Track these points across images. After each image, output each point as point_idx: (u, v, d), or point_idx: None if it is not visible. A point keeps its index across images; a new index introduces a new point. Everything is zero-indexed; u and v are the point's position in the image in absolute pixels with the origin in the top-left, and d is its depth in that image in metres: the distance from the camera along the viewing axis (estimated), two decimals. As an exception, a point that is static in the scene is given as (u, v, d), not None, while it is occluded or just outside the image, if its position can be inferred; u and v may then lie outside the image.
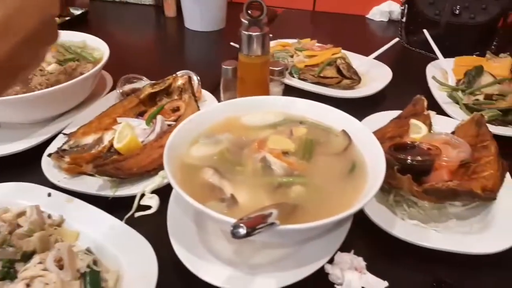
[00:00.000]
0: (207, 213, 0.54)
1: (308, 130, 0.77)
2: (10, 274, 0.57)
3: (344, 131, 0.76)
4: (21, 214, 0.68)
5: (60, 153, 0.78)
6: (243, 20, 0.89)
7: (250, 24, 0.88)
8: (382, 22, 1.75)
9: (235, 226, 0.46)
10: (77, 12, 1.63)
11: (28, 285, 0.55)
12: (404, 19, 1.52)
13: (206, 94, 1.05)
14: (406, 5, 1.50)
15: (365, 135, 0.73)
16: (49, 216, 0.68)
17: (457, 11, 1.38)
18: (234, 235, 0.46)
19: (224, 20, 1.60)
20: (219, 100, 1.04)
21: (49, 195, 0.72)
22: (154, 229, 0.68)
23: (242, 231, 0.46)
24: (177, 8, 1.68)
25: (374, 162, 0.67)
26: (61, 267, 0.57)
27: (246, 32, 0.87)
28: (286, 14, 1.82)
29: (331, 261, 0.63)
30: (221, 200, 0.62)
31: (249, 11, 0.87)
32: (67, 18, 1.56)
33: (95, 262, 0.60)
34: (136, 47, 1.51)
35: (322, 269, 0.62)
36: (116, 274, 0.59)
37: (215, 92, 1.07)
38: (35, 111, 0.88)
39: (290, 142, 0.74)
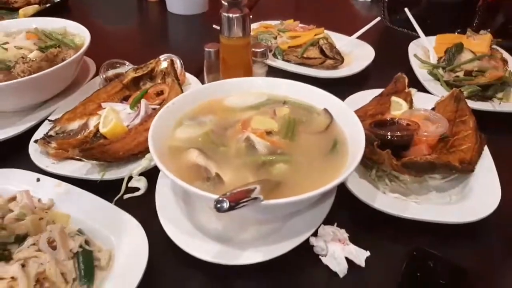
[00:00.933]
0: (193, 192, 0.56)
1: (291, 110, 0.79)
2: (4, 256, 0.58)
3: (325, 110, 0.78)
4: (12, 199, 0.69)
5: (46, 139, 0.79)
6: (223, 2, 0.89)
7: (230, 6, 0.88)
8: (366, 1, 1.76)
9: (218, 201, 0.48)
10: (58, -2, 1.61)
11: (23, 265, 0.57)
12: (386, -1, 1.53)
13: (190, 77, 1.06)
14: (388, -16, 1.51)
15: (345, 113, 0.75)
16: (39, 200, 0.69)
17: (438, -11, 1.39)
18: (218, 209, 0.48)
19: (207, 3, 1.59)
20: (203, 83, 1.05)
21: (38, 180, 0.73)
22: (143, 209, 0.69)
23: (225, 205, 0.48)
24: (159, -8, 1.66)
25: (355, 138, 0.69)
26: (54, 248, 0.59)
27: (226, 14, 0.88)
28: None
29: (315, 234, 0.66)
30: (207, 179, 0.64)
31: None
32: (47, 5, 1.54)
33: (87, 242, 0.62)
34: (118, 32, 1.50)
35: (307, 241, 0.64)
36: (109, 253, 0.61)
37: (199, 75, 1.08)
38: (19, 98, 0.89)
39: (273, 122, 0.76)
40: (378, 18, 1.29)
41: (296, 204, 0.61)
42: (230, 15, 0.87)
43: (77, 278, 0.58)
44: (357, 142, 0.67)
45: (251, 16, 0.90)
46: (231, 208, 0.49)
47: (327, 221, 0.67)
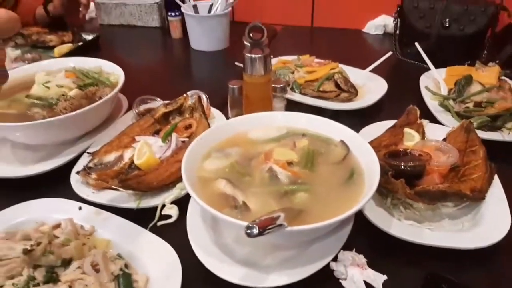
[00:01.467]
0: (224, 219, 0.62)
1: (310, 142, 0.85)
2: (53, 278, 0.65)
3: (342, 142, 0.84)
4: (56, 226, 0.76)
5: (87, 171, 0.86)
6: (245, 42, 0.97)
7: (252, 46, 0.96)
8: (378, 35, 1.83)
9: (249, 227, 0.54)
10: (89, 37, 1.73)
11: (70, 287, 0.63)
12: (397, 32, 1.60)
13: (214, 111, 1.13)
14: (398, 19, 1.59)
15: (361, 144, 0.81)
16: (82, 227, 0.76)
17: (447, 23, 1.46)
18: (248, 234, 0.54)
19: (228, 40, 1.70)
20: (227, 116, 1.12)
21: (80, 208, 0.80)
22: (175, 235, 0.75)
23: (255, 231, 0.54)
24: (183, 30, 1.77)
25: (370, 169, 0.75)
26: (97, 271, 0.65)
27: (249, 55, 0.96)
28: (286, 31, 1.91)
29: (335, 259, 0.71)
30: (234, 207, 0.70)
31: (250, 34, 0.95)
32: (80, 44, 1.66)
33: (126, 266, 0.68)
34: (146, 68, 1.60)
35: (327, 266, 0.69)
36: (145, 276, 0.67)
37: (223, 108, 1.15)
38: (61, 133, 0.97)
39: (293, 153, 0.82)
40: (390, 53, 1.36)
41: (317, 231, 0.67)
42: (253, 55, 0.95)
43: (119, 299, 0.64)
44: (373, 172, 0.72)
45: (271, 56, 0.98)
46: (259, 233, 0.54)
47: (346, 247, 0.72)
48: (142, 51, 1.75)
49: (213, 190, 0.74)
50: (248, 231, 0.54)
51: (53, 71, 1.15)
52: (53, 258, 0.67)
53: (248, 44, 0.97)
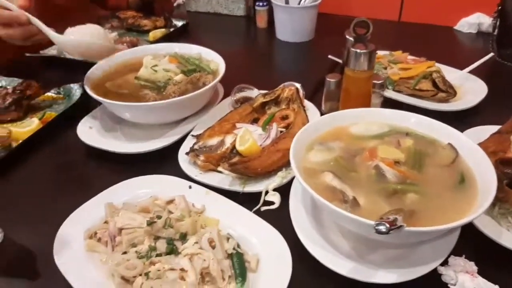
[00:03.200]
0: (345, 215, 0.63)
1: (415, 142, 0.84)
2: (174, 250, 0.70)
3: (450, 145, 0.82)
4: (169, 202, 0.81)
5: (195, 152, 0.91)
6: (348, 37, 0.97)
7: (356, 41, 0.96)
8: (471, 33, 1.74)
9: (378, 224, 0.55)
10: (179, 23, 1.80)
11: (190, 260, 0.67)
12: (495, 32, 1.51)
13: (307, 103, 1.14)
14: (498, 19, 1.49)
15: (472, 149, 0.79)
16: (193, 205, 0.80)
17: (555, 26, 1.36)
18: (377, 231, 0.55)
19: (313, 32, 1.69)
20: (319, 108, 1.13)
21: (190, 187, 0.85)
22: (277, 222, 0.78)
23: (384, 228, 0.55)
24: (268, 20, 1.79)
25: (484, 175, 0.72)
26: (213, 248, 0.70)
27: (354, 49, 0.95)
28: (372, 25, 1.86)
29: (442, 264, 0.70)
30: (343, 201, 0.71)
31: (355, 29, 0.95)
32: (171, 30, 1.74)
33: (238, 245, 0.71)
34: (235, 56, 1.61)
35: (435, 270, 0.69)
36: (256, 257, 0.70)
37: (311, 100, 1.16)
38: (167, 115, 1.03)
39: (399, 152, 0.81)
40: (491, 54, 1.29)
41: (432, 233, 0.66)
42: (358, 50, 0.94)
43: (232, 277, 0.68)
44: (488, 179, 0.70)
45: (377, 52, 0.97)
46: (386, 232, 0.55)
47: (454, 252, 0.71)
48: (229, 39, 1.79)
49: (319, 182, 0.76)
50: (377, 227, 0.55)
51: (158, 55, 1.21)
52: (172, 231, 0.72)
53: (352, 38, 0.97)
